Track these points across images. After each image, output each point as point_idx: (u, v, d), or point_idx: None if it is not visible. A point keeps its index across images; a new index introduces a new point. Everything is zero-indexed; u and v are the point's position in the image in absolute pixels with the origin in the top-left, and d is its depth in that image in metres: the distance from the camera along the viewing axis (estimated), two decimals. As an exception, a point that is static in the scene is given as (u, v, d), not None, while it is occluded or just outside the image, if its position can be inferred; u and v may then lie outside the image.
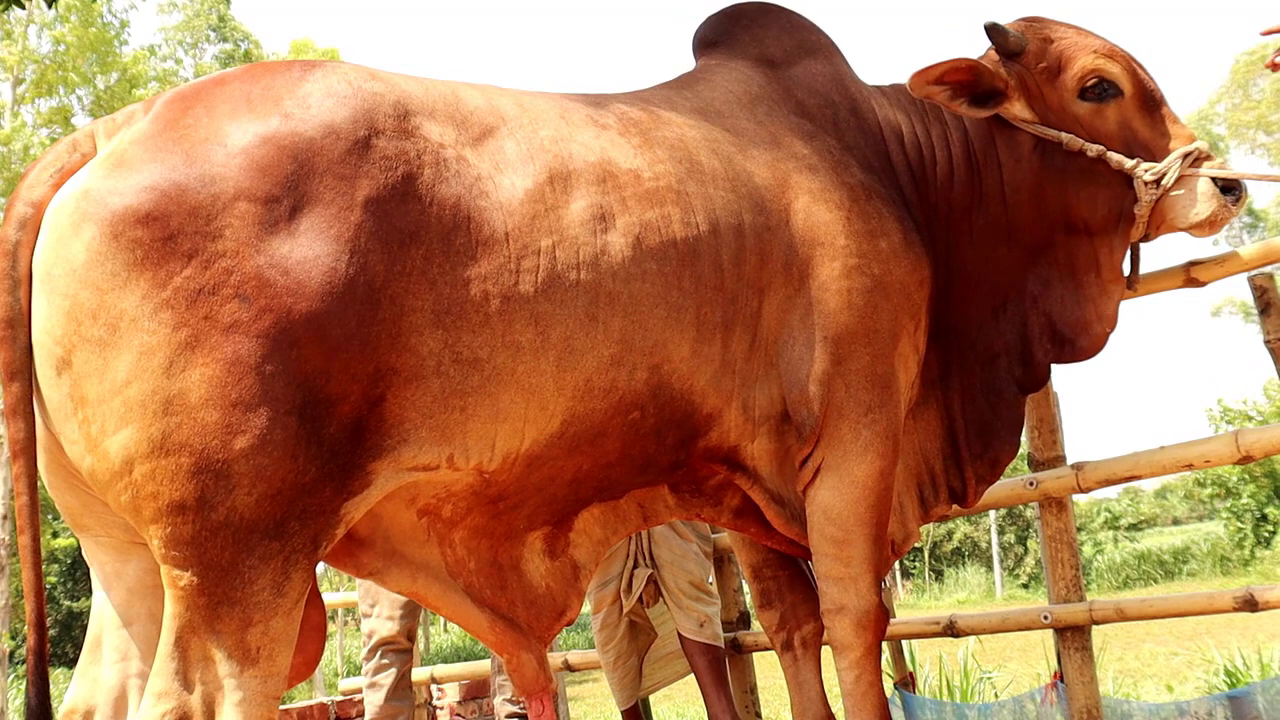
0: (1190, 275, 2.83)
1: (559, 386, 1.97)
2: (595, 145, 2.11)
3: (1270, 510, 19.59)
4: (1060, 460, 3.17)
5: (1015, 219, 2.52)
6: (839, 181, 2.33)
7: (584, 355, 1.98)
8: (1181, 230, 2.45)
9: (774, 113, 2.42)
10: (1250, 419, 19.58)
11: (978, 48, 2.60)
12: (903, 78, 2.47)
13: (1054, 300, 2.53)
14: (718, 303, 2.14)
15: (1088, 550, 24.45)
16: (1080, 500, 30.27)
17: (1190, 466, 2.91)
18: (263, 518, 1.68)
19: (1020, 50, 2.47)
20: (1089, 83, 2.45)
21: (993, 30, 2.45)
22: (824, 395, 2.23)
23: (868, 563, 2.28)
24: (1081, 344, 2.52)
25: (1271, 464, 19.08)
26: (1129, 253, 2.55)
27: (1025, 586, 23.60)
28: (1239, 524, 20.08)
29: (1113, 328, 2.51)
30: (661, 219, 2.09)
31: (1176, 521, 38.37)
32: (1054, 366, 2.59)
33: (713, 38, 2.65)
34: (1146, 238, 2.50)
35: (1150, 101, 2.49)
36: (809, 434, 2.26)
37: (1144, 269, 2.65)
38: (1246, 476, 19.63)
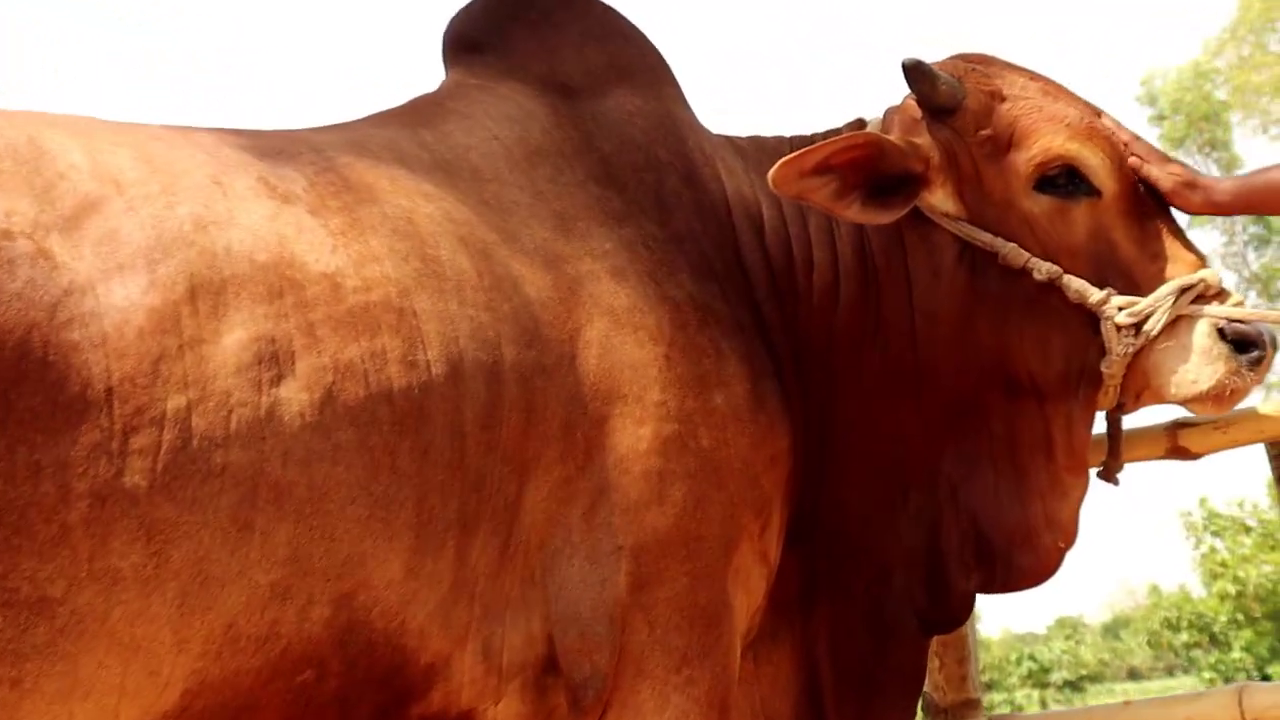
0: (1177, 444, 2.23)
1: (181, 639, 1.43)
2: (270, 231, 1.55)
3: (1276, 669, 16.74)
4: (972, 707, 2.44)
5: (929, 363, 1.94)
6: (658, 296, 1.77)
7: (226, 587, 1.45)
8: (1172, 402, 1.88)
9: (563, 176, 1.83)
10: (1247, 528, 17.43)
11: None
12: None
13: (982, 492, 1.95)
14: (453, 489, 1.59)
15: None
16: (986, 634, 23.78)
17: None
18: None
19: (953, 106, 1.90)
20: (1051, 171, 1.87)
21: (914, 71, 1.88)
22: (615, 639, 1.67)
23: None
24: (1022, 562, 1.95)
25: (1277, 599, 17.20)
26: (1108, 427, 1.98)
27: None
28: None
29: (1069, 542, 1.93)
30: (370, 357, 1.54)
31: (1135, 675, 30.71)
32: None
33: (476, 37, 2.01)
34: (1121, 408, 1.92)
35: (1141, 206, 1.92)
36: (590, 700, 1.67)
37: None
38: (1241, 619, 17.85)
